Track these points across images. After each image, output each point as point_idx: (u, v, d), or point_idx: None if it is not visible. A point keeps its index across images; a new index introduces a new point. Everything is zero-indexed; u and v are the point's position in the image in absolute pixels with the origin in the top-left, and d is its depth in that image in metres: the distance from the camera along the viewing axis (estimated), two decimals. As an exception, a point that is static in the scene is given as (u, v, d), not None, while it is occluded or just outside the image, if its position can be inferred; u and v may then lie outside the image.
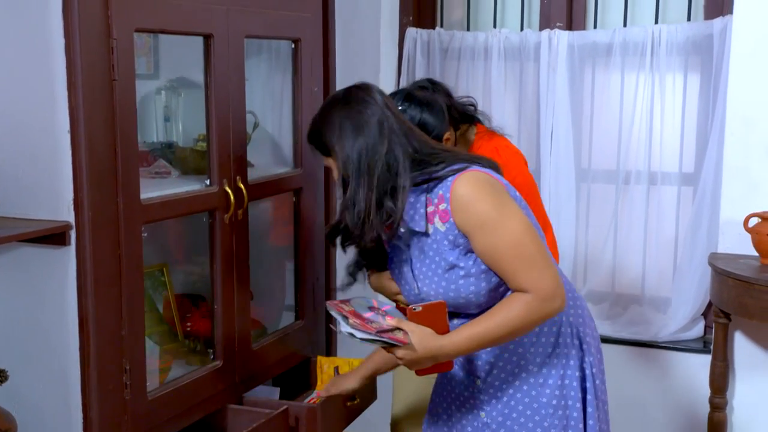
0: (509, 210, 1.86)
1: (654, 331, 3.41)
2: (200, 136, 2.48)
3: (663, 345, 3.39)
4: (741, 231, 2.99)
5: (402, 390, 2.68)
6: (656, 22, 3.42)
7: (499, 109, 3.55)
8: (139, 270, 2.11)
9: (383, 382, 2.74)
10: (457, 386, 2.08)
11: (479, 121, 2.59)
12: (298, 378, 2.84)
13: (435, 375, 2.15)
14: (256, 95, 2.77)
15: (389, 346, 1.87)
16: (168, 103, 2.63)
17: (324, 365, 2.82)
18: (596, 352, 2.06)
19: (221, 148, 2.35)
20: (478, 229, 1.84)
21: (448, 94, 2.52)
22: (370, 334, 1.82)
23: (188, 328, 2.59)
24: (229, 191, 2.37)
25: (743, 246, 3.02)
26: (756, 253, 2.97)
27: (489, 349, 1.97)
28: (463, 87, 3.53)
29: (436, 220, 1.89)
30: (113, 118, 1.97)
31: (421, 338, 1.84)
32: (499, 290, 1.92)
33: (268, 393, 2.71)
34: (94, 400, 2.00)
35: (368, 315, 1.92)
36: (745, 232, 2.98)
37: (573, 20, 3.57)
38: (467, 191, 1.84)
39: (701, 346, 3.37)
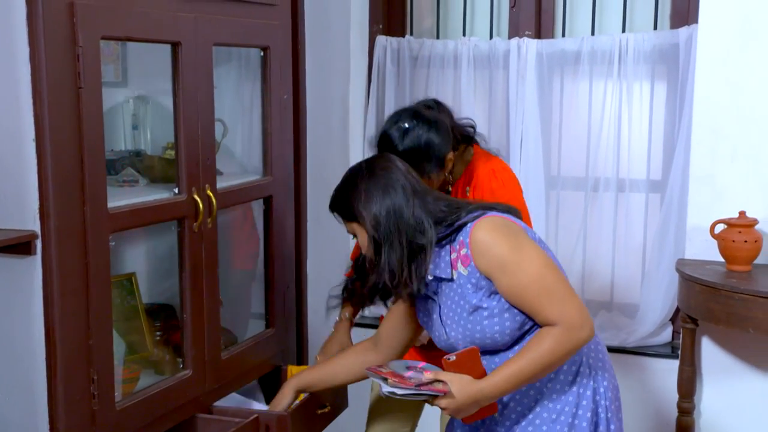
0: (527, 249, 1.94)
1: (623, 337, 3.44)
2: (169, 144, 2.47)
3: (632, 350, 3.42)
4: (707, 237, 3.03)
5: (378, 411, 2.68)
6: (623, 30, 3.46)
7: (469, 117, 3.56)
8: (107, 279, 2.08)
9: (355, 391, 2.73)
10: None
11: (476, 143, 2.62)
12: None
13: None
14: (225, 103, 2.76)
15: (431, 398, 1.94)
16: (136, 110, 2.62)
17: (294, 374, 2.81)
18: (611, 378, 2.10)
19: (190, 156, 2.34)
20: (499, 270, 1.92)
21: (450, 115, 2.58)
22: (410, 389, 1.91)
23: (157, 338, 2.57)
24: (198, 199, 2.35)
25: (710, 252, 3.06)
26: (722, 259, 3.00)
27: None
28: (433, 95, 3.54)
29: (459, 265, 1.97)
30: (79, 126, 1.95)
31: (460, 386, 1.91)
32: (525, 327, 1.98)
33: (253, 397, 2.71)
34: (61, 412, 1.97)
35: (407, 374, 2.00)
36: (711, 239, 3.01)
37: (541, 28, 3.60)
38: (485, 236, 1.93)
39: (669, 351, 3.40)
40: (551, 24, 3.60)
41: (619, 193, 3.45)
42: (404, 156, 2.29)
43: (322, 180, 3.69)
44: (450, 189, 2.53)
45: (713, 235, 3.00)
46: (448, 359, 1.92)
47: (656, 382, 3.39)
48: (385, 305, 2.18)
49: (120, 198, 2.19)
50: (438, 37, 3.76)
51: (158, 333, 2.56)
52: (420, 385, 1.93)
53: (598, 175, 3.47)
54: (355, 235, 2.06)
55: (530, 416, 2.04)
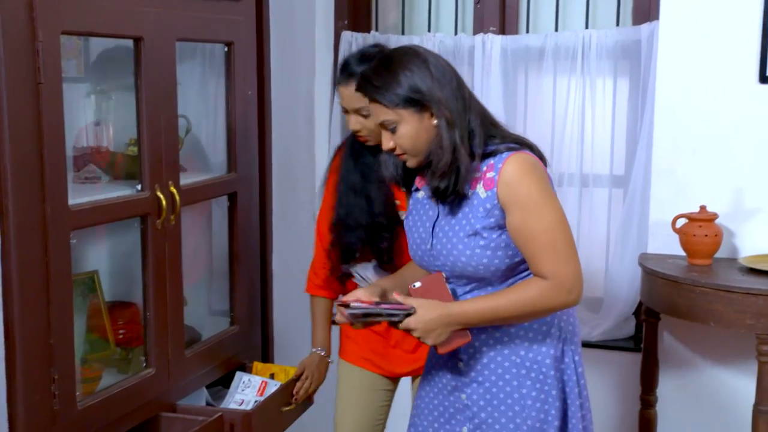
0: (551, 198, 1.94)
1: (587, 331, 3.46)
2: (131, 140, 2.45)
3: (596, 344, 3.44)
4: (669, 232, 3.06)
5: (345, 408, 2.68)
6: (586, 27, 3.49)
7: (434, 113, 3.57)
8: (68, 277, 2.06)
9: (320, 389, 2.73)
10: (442, 373, 2.11)
11: None
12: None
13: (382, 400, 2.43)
14: (189, 99, 2.74)
15: (395, 320, 1.90)
16: (98, 106, 2.59)
17: (260, 371, 2.81)
18: (579, 353, 2.11)
19: (153, 152, 2.32)
20: (518, 206, 1.91)
21: None
22: (370, 308, 1.89)
23: (120, 336, 2.55)
24: (161, 196, 2.34)
25: (672, 246, 3.09)
26: (684, 253, 3.04)
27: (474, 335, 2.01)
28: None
29: (479, 186, 1.94)
30: (39, 122, 1.93)
31: (427, 306, 1.89)
32: (511, 273, 1.98)
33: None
34: (20, 412, 1.95)
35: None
36: (673, 233, 3.04)
37: (506, 24, 3.61)
38: (518, 169, 1.91)
39: (632, 344, 3.43)
40: (515, 20, 3.61)
41: (582, 188, 3.47)
42: (366, 61, 2.30)
43: (288, 176, 3.68)
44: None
45: (675, 230, 3.04)
46: (413, 286, 1.92)
47: (620, 375, 3.43)
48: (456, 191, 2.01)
49: (81, 195, 2.17)
50: (403, 33, 3.76)
51: (121, 331, 2.54)
52: (383, 304, 1.92)
53: (562, 171, 3.48)
54: (390, 126, 1.94)
55: (499, 359, 2.02)
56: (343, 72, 2.39)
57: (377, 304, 1.94)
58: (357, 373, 2.62)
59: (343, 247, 2.50)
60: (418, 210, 2.11)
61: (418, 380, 2.53)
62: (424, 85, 1.91)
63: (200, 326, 2.80)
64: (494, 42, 3.49)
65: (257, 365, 2.82)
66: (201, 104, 2.89)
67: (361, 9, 3.78)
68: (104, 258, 2.63)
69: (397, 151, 1.98)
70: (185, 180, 2.49)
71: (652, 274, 2.97)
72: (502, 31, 3.58)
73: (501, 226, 1.94)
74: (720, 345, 3.16)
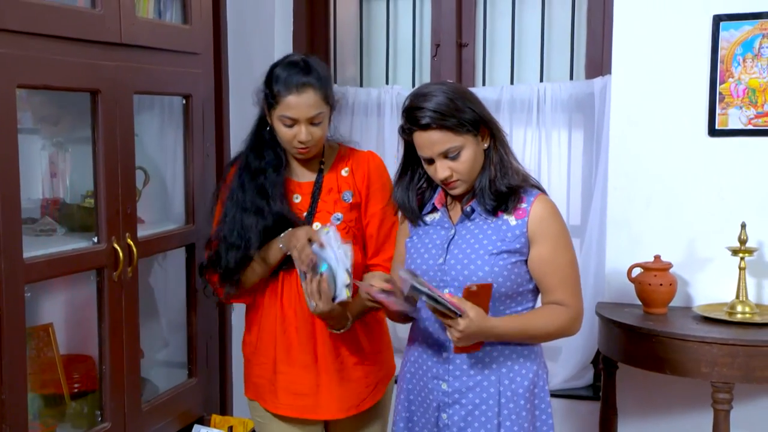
0: (569, 239, 2.16)
1: (546, 380, 3.48)
2: (88, 192, 2.44)
3: (555, 393, 3.44)
4: (625, 280, 3.10)
5: None
6: (541, 80, 3.56)
7: (393, 164, 3.57)
8: (21, 331, 2.04)
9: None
10: (429, 363, 2.18)
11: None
12: None
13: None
14: (148, 150, 2.74)
15: (450, 316, 1.97)
16: (54, 158, 2.58)
17: (218, 424, 2.77)
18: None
19: (110, 204, 2.31)
20: (549, 239, 2.10)
21: None
22: (435, 292, 1.96)
23: (75, 390, 2.51)
24: (118, 248, 2.32)
25: (628, 295, 3.13)
26: (639, 302, 3.07)
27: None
28: (357, 141, 3.59)
29: (508, 214, 2.11)
30: (-6, 175, 1.92)
31: (477, 315, 1.97)
32: (519, 297, 2.13)
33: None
34: (-30, 469, 1.91)
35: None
36: (628, 282, 3.09)
37: (462, 77, 3.68)
38: (550, 207, 2.13)
39: (591, 393, 3.46)
40: (472, 73, 3.68)
41: (540, 237, 3.51)
42: (313, 69, 2.32)
43: (247, 227, 3.67)
44: (323, 173, 2.45)
45: (630, 279, 3.08)
46: (471, 288, 1.98)
47: (579, 423, 3.44)
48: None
49: (37, 248, 2.15)
50: (362, 85, 3.82)
51: (76, 385, 2.50)
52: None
53: (519, 221, 3.53)
54: (452, 154, 2.07)
55: (485, 383, 2.12)
56: (290, 81, 2.30)
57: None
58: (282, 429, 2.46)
59: (235, 262, 2.35)
60: (426, 231, 2.21)
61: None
62: (481, 109, 2.11)
63: (157, 379, 2.77)
64: (451, 94, 3.54)
65: (215, 418, 2.79)
66: (159, 156, 2.89)
67: (320, 62, 3.83)
68: (59, 310, 2.60)
69: (453, 178, 2.10)
70: (143, 232, 2.48)
71: (609, 323, 3.00)
72: (459, 83, 3.65)
73: (521, 253, 2.10)
74: (677, 393, 3.19)
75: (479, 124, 2.09)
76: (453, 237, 2.15)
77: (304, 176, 2.45)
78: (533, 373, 2.14)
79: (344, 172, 2.47)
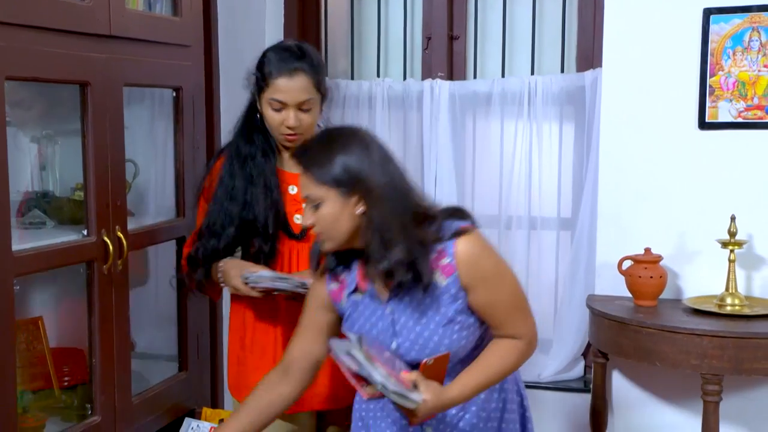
0: (505, 266, 1.99)
1: (537, 372, 3.49)
2: (78, 185, 2.43)
3: (545, 386, 3.47)
4: (615, 273, 3.11)
5: None
6: (532, 73, 3.56)
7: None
8: (11, 324, 2.03)
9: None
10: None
11: None
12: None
13: None
14: (137, 143, 2.73)
15: (404, 405, 1.84)
16: (44, 151, 2.57)
17: (209, 417, 2.77)
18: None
19: (99, 197, 2.30)
20: (483, 282, 1.92)
21: None
22: (399, 388, 1.80)
23: (65, 383, 2.50)
24: (108, 241, 2.32)
25: (618, 288, 3.13)
26: (630, 294, 3.08)
27: None
28: (348, 135, 3.58)
29: (437, 274, 1.91)
30: (-18, 167, 1.91)
31: (435, 393, 1.86)
32: (481, 342, 2.01)
33: None
34: (-40, 463, 1.91)
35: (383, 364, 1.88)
36: (619, 275, 3.09)
37: (454, 70, 3.68)
38: (472, 248, 1.91)
39: (582, 385, 3.47)
40: (463, 66, 3.68)
41: (531, 230, 3.52)
42: (307, 55, 2.29)
43: (238, 220, 3.67)
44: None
45: (621, 271, 3.09)
46: (427, 363, 1.87)
47: (569, 416, 3.45)
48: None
49: (26, 241, 2.15)
50: (353, 78, 3.81)
51: (66, 378, 2.50)
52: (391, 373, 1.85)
53: (510, 213, 3.53)
54: (314, 203, 1.88)
55: (467, 416, 2.05)
56: (283, 65, 2.29)
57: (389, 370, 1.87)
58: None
59: (207, 252, 2.32)
60: (362, 312, 2.01)
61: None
62: (359, 169, 1.85)
63: (147, 372, 2.76)
64: (442, 87, 3.55)
65: (206, 411, 2.79)
66: (149, 148, 2.88)
67: (311, 54, 3.82)
68: (49, 304, 2.60)
69: (315, 230, 1.92)
70: (133, 225, 2.47)
71: (600, 316, 3.01)
72: (450, 76, 3.65)
73: (469, 307, 1.95)
74: (667, 384, 3.20)
75: (347, 184, 1.85)
76: (394, 317, 1.97)
77: (296, 167, 2.42)
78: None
79: None
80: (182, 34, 2.68)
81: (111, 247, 2.32)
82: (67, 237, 2.28)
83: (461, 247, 1.90)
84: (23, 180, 2.53)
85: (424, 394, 1.83)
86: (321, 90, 2.35)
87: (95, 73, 2.27)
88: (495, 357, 1.97)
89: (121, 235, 2.37)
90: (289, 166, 2.38)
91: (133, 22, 2.42)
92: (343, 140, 1.89)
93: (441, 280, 1.92)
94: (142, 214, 2.69)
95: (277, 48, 2.36)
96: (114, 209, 2.35)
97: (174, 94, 2.70)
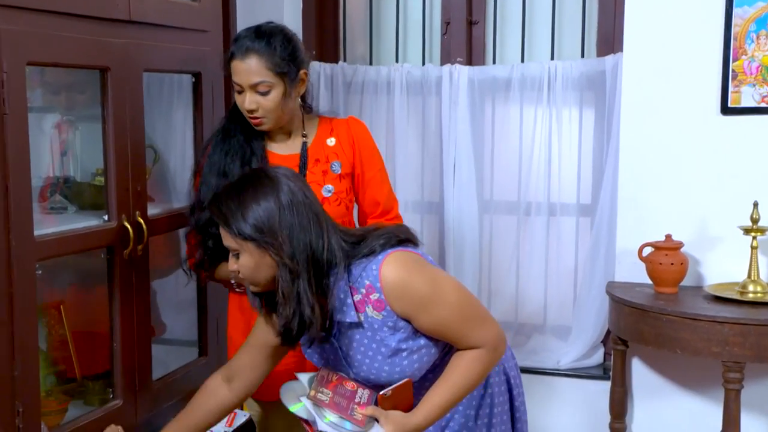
0: (440, 280, 1.91)
1: (556, 359, 3.48)
2: (98, 170, 2.43)
3: (565, 372, 3.46)
4: (636, 260, 3.09)
5: None
6: (552, 58, 3.54)
7: (403, 142, 3.60)
8: (33, 308, 2.04)
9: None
10: None
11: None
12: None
13: None
14: (157, 128, 2.73)
15: None
16: (64, 136, 2.58)
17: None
18: (519, 383, 2.16)
19: (120, 182, 2.31)
20: (420, 309, 1.87)
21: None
22: (354, 427, 1.84)
23: (87, 368, 2.52)
24: (128, 226, 2.32)
25: (638, 274, 3.12)
26: (650, 281, 3.07)
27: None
28: (367, 120, 3.57)
29: (369, 309, 1.88)
30: (4, 153, 1.91)
31: (395, 425, 1.86)
32: (444, 358, 1.98)
33: None
34: (-17, 446, 1.92)
35: (341, 401, 1.91)
36: (639, 261, 3.08)
37: (473, 55, 3.66)
38: (398, 277, 1.85)
39: (601, 372, 3.46)
40: (482, 51, 3.66)
41: (550, 217, 3.51)
42: (263, 36, 2.28)
43: (257, 206, 3.67)
44: (307, 142, 2.46)
45: (641, 258, 3.07)
46: (385, 395, 1.87)
47: (589, 403, 3.44)
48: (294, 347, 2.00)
49: (47, 226, 2.15)
50: (371, 63, 3.80)
51: (87, 363, 2.51)
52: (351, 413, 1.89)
53: (529, 200, 3.52)
54: (234, 252, 1.89)
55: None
56: (238, 46, 2.31)
57: (343, 407, 1.89)
58: None
59: (200, 223, 2.37)
60: (316, 344, 2.02)
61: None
62: (268, 222, 1.82)
63: (167, 357, 2.77)
64: (461, 72, 3.53)
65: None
66: (169, 134, 2.88)
67: (330, 40, 3.81)
68: (71, 288, 2.61)
69: (240, 276, 1.91)
70: (153, 210, 2.47)
71: (620, 303, 2.99)
72: (469, 62, 3.63)
73: (414, 332, 1.91)
74: (687, 372, 3.18)
75: (257, 240, 1.83)
76: (342, 351, 1.96)
77: (287, 149, 2.45)
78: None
79: (330, 142, 2.46)
80: (201, 20, 2.67)
81: (131, 233, 2.32)
82: (88, 222, 2.29)
83: (386, 278, 1.84)
84: (45, 165, 2.54)
85: (384, 427, 1.84)
86: (279, 72, 2.30)
87: (115, 58, 2.26)
88: (457, 373, 1.92)
89: (141, 221, 2.37)
90: (280, 148, 2.45)
91: (152, 7, 2.41)
92: (252, 191, 1.86)
93: (375, 315, 1.88)
94: (163, 200, 2.69)
95: (243, 30, 2.38)
96: (134, 194, 2.36)
97: (193, 79, 2.69)
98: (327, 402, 1.91)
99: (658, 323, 2.84)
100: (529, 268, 3.57)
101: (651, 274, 3.05)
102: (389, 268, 1.85)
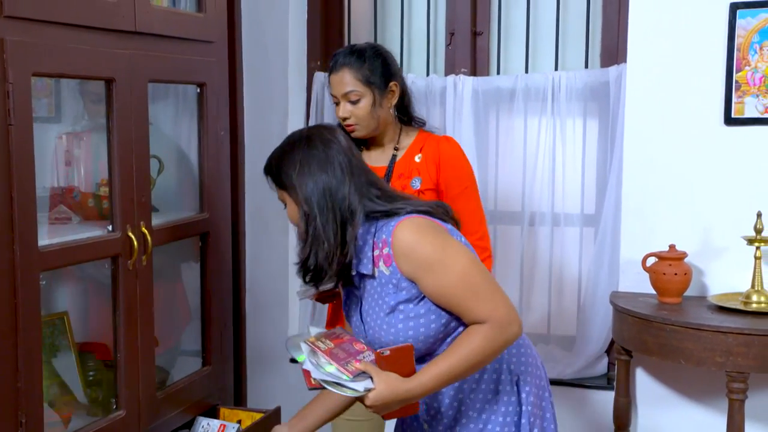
0: (451, 247, 1.90)
1: (560, 369, 3.48)
2: (103, 180, 2.44)
3: (569, 382, 3.45)
4: (640, 270, 3.09)
5: None
6: (556, 69, 3.54)
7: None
8: (37, 319, 2.05)
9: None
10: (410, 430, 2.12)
11: (422, 127, 2.69)
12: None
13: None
14: (162, 139, 2.75)
15: (356, 395, 1.86)
16: (69, 147, 2.59)
17: (226, 417, 2.78)
18: (537, 397, 2.08)
19: (124, 193, 2.32)
20: (425, 271, 1.88)
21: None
22: (337, 376, 1.84)
23: (90, 378, 2.52)
24: (133, 237, 2.33)
25: (642, 284, 3.12)
26: (654, 291, 3.06)
27: (432, 395, 2.00)
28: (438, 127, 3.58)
29: (381, 263, 1.92)
30: (9, 163, 1.92)
31: (387, 383, 1.85)
32: (441, 337, 1.95)
33: None
34: (-13, 456, 1.92)
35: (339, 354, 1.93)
36: (643, 271, 3.07)
37: (477, 66, 3.67)
38: (407, 236, 1.89)
39: (605, 382, 3.45)
40: (486, 62, 3.67)
41: (554, 227, 3.51)
42: (355, 52, 2.54)
43: (261, 216, 3.68)
44: (397, 156, 2.60)
45: (645, 268, 3.07)
46: (383, 353, 1.86)
47: (593, 413, 3.43)
48: (316, 287, 2.06)
49: (52, 236, 2.16)
50: (376, 74, 3.80)
51: (91, 373, 2.52)
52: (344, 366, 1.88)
53: (534, 210, 3.52)
54: (285, 203, 2.01)
55: (457, 428, 2.03)
56: (333, 62, 2.57)
57: (339, 358, 1.90)
58: None
59: None
60: (350, 299, 2.09)
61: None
62: (291, 170, 1.94)
63: (171, 367, 2.78)
64: (466, 83, 3.54)
65: (224, 411, 2.79)
66: (174, 144, 2.89)
67: (334, 50, 3.79)
68: (75, 299, 2.62)
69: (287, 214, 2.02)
70: (157, 220, 2.48)
71: (623, 313, 2.99)
72: (474, 72, 3.64)
73: (416, 297, 1.92)
74: (691, 382, 3.18)
75: (285, 185, 1.97)
76: (361, 305, 2.02)
77: (378, 160, 2.59)
78: (498, 408, 2.03)
79: (417, 158, 2.58)
80: (206, 31, 2.69)
81: (135, 243, 2.33)
82: (92, 232, 2.29)
83: (396, 237, 1.89)
84: (49, 176, 2.55)
85: (377, 385, 1.83)
86: (370, 83, 2.53)
87: (120, 69, 2.28)
88: (460, 346, 1.89)
89: (145, 231, 2.38)
90: (372, 159, 2.60)
91: (157, 18, 2.43)
92: (290, 144, 1.99)
93: (384, 269, 1.92)
94: (167, 210, 2.70)
95: (341, 48, 2.65)
96: (139, 205, 2.37)
97: (198, 90, 2.70)
98: (324, 350, 1.93)
99: (661, 333, 2.84)
100: (533, 278, 3.57)
101: (655, 284, 3.04)
102: (403, 226, 1.90)
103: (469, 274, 1.89)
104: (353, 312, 2.07)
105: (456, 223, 2.05)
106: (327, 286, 2.02)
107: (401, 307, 1.92)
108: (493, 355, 1.91)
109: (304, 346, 1.94)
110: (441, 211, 2.02)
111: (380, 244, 1.92)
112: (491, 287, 1.91)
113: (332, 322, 2.65)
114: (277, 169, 1.98)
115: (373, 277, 1.95)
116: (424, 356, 1.96)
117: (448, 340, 1.96)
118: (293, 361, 2.04)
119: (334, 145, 1.97)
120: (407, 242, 1.88)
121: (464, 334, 1.91)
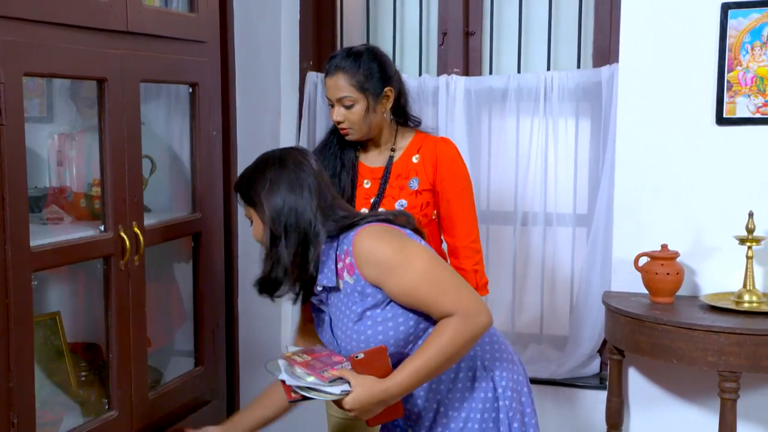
0: (411, 247, 1.96)
1: (553, 369, 3.48)
2: (95, 180, 2.44)
3: (561, 382, 3.46)
4: (632, 270, 3.10)
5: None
6: (548, 69, 3.55)
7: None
8: (29, 319, 2.04)
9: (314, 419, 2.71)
10: None
11: (418, 128, 2.70)
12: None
13: None
14: (154, 139, 2.74)
15: (333, 399, 1.91)
16: (61, 147, 2.58)
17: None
18: (515, 392, 2.09)
19: (116, 193, 2.31)
20: (388, 274, 1.93)
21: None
22: (315, 383, 1.90)
23: (82, 378, 2.52)
24: (125, 237, 2.32)
25: (634, 284, 3.12)
26: (646, 291, 3.07)
27: (413, 398, 2.04)
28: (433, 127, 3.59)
29: (345, 274, 1.98)
30: (1, 163, 1.91)
31: (363, 387, 1.90)
32: (411, 339, 1.99)
33: None
34: (-22, 457, 1.92)
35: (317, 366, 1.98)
36: (635, 271, 3.08)
37: (469, 66, 3.67)
38: (368, 243, 1.95)
39: (598, 382, 3.46)
40: (479, 62, 3.67)
41: (546, 227, 3.51)
42: (351, 56, 2.51)
43: (253, 216, 3.67)
44: (394, 156, 2.60)
45: (637, 268, 3.07)
46: (356, 357, 1.91)
47: (585, 412, 3.44)
48: (272, 300, 2.13)
49: (43, 236, 2.15)
50: (368, 74, 3.80)
51: (83, 373, 2.51)
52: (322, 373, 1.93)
53: (526, 210, 3.53)
54: (251, 220, 2.06)
55: (439, 429, 2.06)
56: (330, 64, 2.55)
57: (315, 368, 1.95)
58: None
59: None
60: (319, 317, 2.14)
61: None
62: (261, 188, 2.00)
63: (163, 367, 2.77)
64: (458, 83, 3.54)
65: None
66: (166, 144, 2.89)
67: (326, 50, 3.82)
68: (67, 299, 2.61)
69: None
70: (149, 220, 2.48)
71: (616, 312, 3.00)
72: (466, 72, 3.64)
73: (382, 302, 1.96)
74: (684, 382, 3.18)
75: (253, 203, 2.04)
76: (330, 320, 2.08)
77: (375, 161, 2.61)
78: (476, 405, 2.06)
79: (415, 159, 2.58)
80: (198, 31, 2.68)
81: (128, 243, 2.33)
82: (85, 233, 2.29)
83: (356, 246, 1.95)
84: (41, 176, 2.54)
85: (354, 389, 1.89)
86: (363, 89, 2.51)
87: (112, 69, 2.27)
88: (431, 341, 1.93)
89: (137, 231, 2.37)
90: (370, 160, 2.62)
91: (149, 18, 2.42)
92: (263, 165, 2.05)
93: (348, 279, 1.98)
94: (159, 210, 2.69)
95: (338, 50, 2.63)
96: (131, 205, 2.36)
97: (190, 90, 2.70)
98: (300, 362, 1.99)
99: (654, 333, 2.84)
100: (526, 278, 3.58)
101: (647, 283, 3.05)
102: (362, 234, 1.96)
103: (431, 271, 1.94)
104: (325, 331, 2.11)
105: (420, 233, 2.09)
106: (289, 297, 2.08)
107: (368, 313, 1.96)
108: (465, 347, 1.94)
109: (281, 362, 2.00)
110: (403, 220, 2.08)
111: (343, 256, 1.98)
112: (455, 281, 1.96)
113: None
114: (248, 186, 2.04)
115: (338, 289, 2.00)
116: (398, 361, 1.98)
117: (419, 342, 1.99)
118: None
119: (305, 167, 2.03)
120: (367, 248, 1.94)
121: (434, 330, 1.95)
